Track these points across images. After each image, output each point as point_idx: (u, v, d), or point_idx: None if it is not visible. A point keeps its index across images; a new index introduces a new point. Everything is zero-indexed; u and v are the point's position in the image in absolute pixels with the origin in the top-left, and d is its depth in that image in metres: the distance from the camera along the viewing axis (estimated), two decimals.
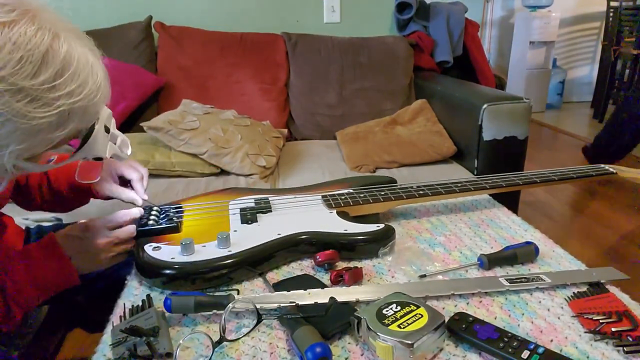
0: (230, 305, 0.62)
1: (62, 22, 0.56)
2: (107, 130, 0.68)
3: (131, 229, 0.77)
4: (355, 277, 0.72)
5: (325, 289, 0.69)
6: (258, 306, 0.64)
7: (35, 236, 0.94)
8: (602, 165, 1.01)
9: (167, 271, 0.71)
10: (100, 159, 0.68)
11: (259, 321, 0.63)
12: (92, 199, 0.92)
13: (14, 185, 0.87)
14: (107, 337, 0.62)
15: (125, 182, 0.91)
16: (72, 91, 0.54)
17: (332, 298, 0.65)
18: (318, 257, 0.76)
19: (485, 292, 0.70)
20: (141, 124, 1.51)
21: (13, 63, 0.50)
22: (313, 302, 0.65)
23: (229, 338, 0.60)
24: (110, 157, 0.72)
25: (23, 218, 1.07)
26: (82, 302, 0.93)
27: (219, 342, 0.59)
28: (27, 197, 0.90)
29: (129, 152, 0.77)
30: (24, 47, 0.51)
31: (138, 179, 0.88)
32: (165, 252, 0.74)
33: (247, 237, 0.78)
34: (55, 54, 0.53)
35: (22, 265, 0.69)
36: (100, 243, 0.73)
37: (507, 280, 0.71)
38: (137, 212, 0.80)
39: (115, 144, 0.73)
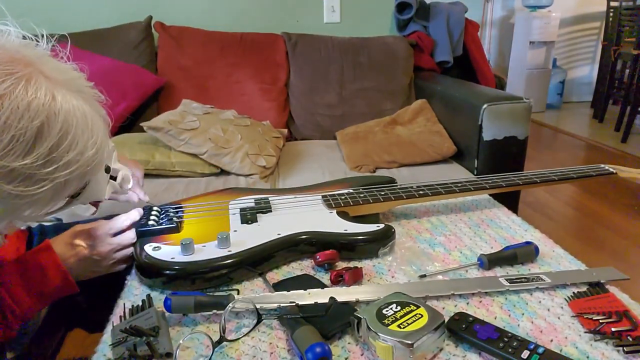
0: (230, 305, 0.62)
1: (61, 74, 0.52)
2: (108, 169, 0.64)
3: (132, 234, 0.77)
4: (355, 277, 0.72)
5: (325, 289, 0.69)
6: (258, 306, 0.64)
7: (37, 236, 0.94)
8: (602, 165, 1.01)
9: (167, 271, 0.71)
10: (98, 202, 0.66)
11: (259, 321, 0.63)
12: None
13: None
14: (107, 337, 0.62)
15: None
16: (69, 161, 0.50)
17: (332, 298, 0.65)
18: (318, 257, 0.76)
19: (485, 292, 0.70)
20: (141, 124, 1.51)
21: (3, 145, 0.45)
22: (313, 302, 0.65)
23: (229, 338, 0.60)
24: (110, 196, 0.70)
25: None
26: (82, 302, 0.93)
27: (219, 342, 0.59)
28: None
29: (129, 187, 0.76)
30: (16, 125, 0.46)
31: (136, 184, 0.87)
32: (165, 252, 0.74)
33: (247, 237, 0.78)
34: (51, 125, 0.48)
35: (18, 275, 0.68)
36: (103, 252, 0.73)
37: (507, 280, 0.71)
38: (136, 214, 0.80)
39: (115, 179, 0.71)
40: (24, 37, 0.53)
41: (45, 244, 0.71)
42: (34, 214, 0.52)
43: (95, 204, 0.73)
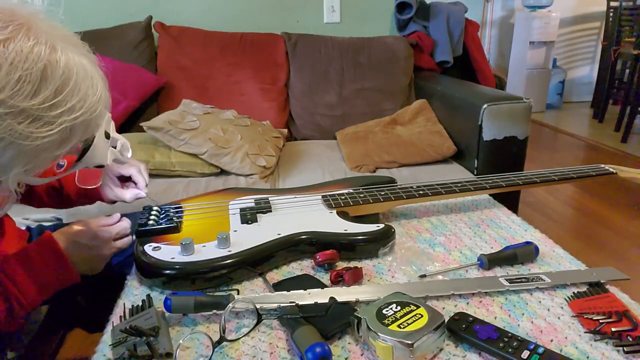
0: (230, 305, 0.62)
1: (56, 30, 0.55)
2: (107, 136, 0.67)
3: (129, 240, 0.79)
4: (355, 277, 0.72)
5: (325, 289, 0.69)
6: (258, 306, 0.64)
7: (36, 236, 0.94)
8: (602, 165, 1.01)
9: (167, 271, 0.71)
10: (102, 166, 0.67)
11: (259, 321, 0.63)
12: None
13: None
14: (107, 337, 0.62)
15: (125, 180, 0.91)
16: (73, 106, 0.53)
17: (332, 298, 0.65)
18: (318, 257, 0.76)
19: (485, 292, 0.70)
20: (141, 124, 1.51)
21: (12, 84, 0.48)
22: (313, 302, 0.65)
23: (228, 338, 0.60)
24: (112, 162, 0.71)
25: (23, 218, 1.07)
26: (82, 302, 0.93)
27: (219, 342, 0.59)
28: (34, 199, 0.91)
29: (129, 155, 0.77)
30: (22, 66, 0.49)
31: (137, 172, 0.89)
32: (165, 252, 0.74)
33: (247, 237, 0.78)
34: (54, 69, 0.51)
35: (19, 265, 0.69)
36: (106, 255, 0.75)
37: (507, 280, 0.71)
38: (126, 224, 0.81)
39: (115, 148, 0.72)
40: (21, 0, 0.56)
41: (46, 235, 0.72)
42: (44, 163, 0.55)
43: (97, 173, 0.73)
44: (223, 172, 1.53)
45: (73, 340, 1.06)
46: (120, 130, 1.76)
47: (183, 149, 1.49)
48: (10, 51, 0.48)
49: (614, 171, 0.99)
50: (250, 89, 1.97)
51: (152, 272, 0.73)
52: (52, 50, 0.51)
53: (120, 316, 0.66)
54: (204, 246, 0.76)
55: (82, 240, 0.74)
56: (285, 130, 1.88)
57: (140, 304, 0.68)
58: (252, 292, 0.72)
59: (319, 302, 0.65)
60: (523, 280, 0.71)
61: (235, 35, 2.03)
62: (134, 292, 0.73)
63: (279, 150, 1.67)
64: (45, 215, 1.07)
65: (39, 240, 0.72)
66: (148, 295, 0.70)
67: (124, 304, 0.69)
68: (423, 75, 2.13)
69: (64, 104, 0.52)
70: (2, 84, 0.48)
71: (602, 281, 0.71)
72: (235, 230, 0.81)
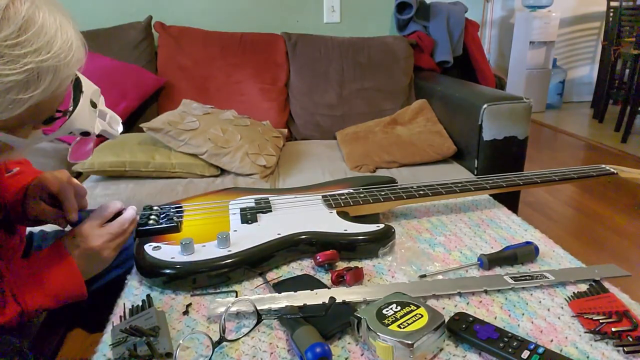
0: (229, 305, 0.62)
1: None
2: (94, 105, 0.67)
3: (120, 220, 0.75)
4: (356, 277, 0.72)
5: (325, 289, 0.69)
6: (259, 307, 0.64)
7: (38, 240, 0.93)
8: (603, 166, 1.01)
9: (167, 271, 0.71)
10: (87, 134, 0.66)
11: (258, 321, 0.63)
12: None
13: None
14: (107, 337, 0.62)
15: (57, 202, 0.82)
16: (39, 48, 0.52)
17: (331, 298, 0.65)
18: (318, 257, 0.76)
19: (485, 292, 0.70)
20: (140, 125, 1.51)
21: None
22: (314, 303, 0.65)
23: (228, 338, 0.60)
24: (101, 134, 0.70)
25: None
26: (82, 302, 0.93)
27: (219, 342, 0.59)
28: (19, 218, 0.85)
29: (119, 128, 0.75)
30: None
31: (71, 196, 0.80)
32: (165, 251, 0.74)
33: (247, 237, 0.78)
34: (16, 11, 0.51)
35: (25, 265, 0.68)
36: (95, 245, 0.72)
37: (511, 277, 0.71)
38: (119, 204, 0.78)
39: (104, 120, 0.71)
40: None
41: (55, 244, 0.71)
42: (11, 107, 0.53)
43: (87, 142, 0.71)
44: (223, 173, 1.53)
45: (73, 340, 1.06)
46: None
47: (183, 149, 1.49)
48: None
49: (615, 171, 0.99)
50: (250, 89, 1.97)
51: (153, 271, 0.73)
52: None
53: (120, 316, 0.66)
54: (204, 246, 0.76)
55: (67, 242, 0.72)
56: (285, 130, 1.88)
57: (140, 304, 0.68)
58: (252, 292, 0.72)
59: (320, 302, 0.65)
60: (527, 277, 0.71)
61: (235, 35, 2.03)
62: (134, 292, 0.73)
63: (279, 150, 1.67)
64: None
65: (49, 252, 0.71)
66: (148, 295, 0.70)
67: (124, 304, 0.69)
68: (423, 75, 2.13)
69: (29, 45, 0.51)
70: None
71: (603, 279, 0.71)
72: (235, 230, 0.81)
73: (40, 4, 0.54)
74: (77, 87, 0.64)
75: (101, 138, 0.85)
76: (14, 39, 0.50)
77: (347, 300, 0.66)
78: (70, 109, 0.62)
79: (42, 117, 0.59)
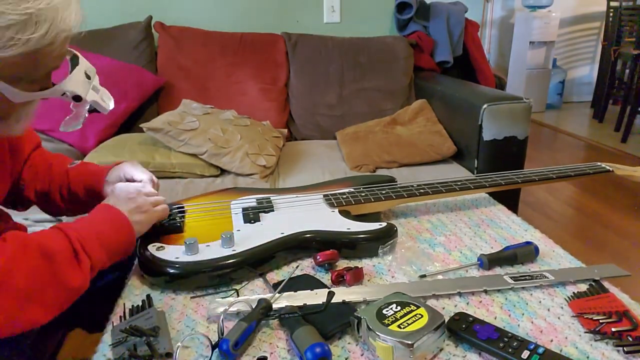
0: (227, 306, 0.62)
1: None
2: (89, 77, 0.70)
3: (166, 208, 0.81)
4: (356, 277, 0.72)
5: (325, 289, 0.69)
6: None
7: None
8: (599, 163, 1.02)
9: (172, 271, 0.71)
10: (79, 99, 0.69)
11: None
12: None
13: (41, 192, 0.88)
14: (107, 337, 0.62)
15: None
16: None
17: (331, 292, 0.64)
18: (318, 257, 0.76)
19: (486, 292, 0.70)
20: (140, 125, 1.51)
21: None
22: (314, 302, 0.65)
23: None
24: (91, 105, 0.73)
25: (23, 218, 1.07)
26: (82, 302, 0.93)
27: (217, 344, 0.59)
28: (51, 203, 0.91)
29: (111, 104, 0.78)
30: None
31: (148, 180, 0.89)
32: (169, 251, 0.74)
33: (250, 237, 0.78)
34: None
35: (81, 222, 0.69)
36: (152, 217, 0.77)
37: (511, 277, 0.71)
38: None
39: (97, 94, 0.74)
40: None
41: (103, 205, 0.74)
42: (7, 51, 0.56)
43: (79, 109, 0.75)
44: (223, 173, 1.53)
45: (73, 340, 1.06)
46: (121, 130, 1.76)
47: (183, 149, 1.49)
48: None
49: (611, 169, 1.00)
50: (250, 89, 1.97)
51: (157, 271, 0.73)
52: None
53: (120, 316, 0.66)
54: (208, 246, 0.76)
55: (121, 195, 0.77)
56: (285, 130, 1.88)
57: (140, 304, 0.68)
58: (252, 292, 0.72)
59: (319, 301, 0.65)
60: (527, 277, 0.71)
61: (235, 35, 2.03)
62: (134, 292, 0.73)
63: (279, 150, 1.67)
64: (44, 215, 1.07)
65: (103, 207, 0.74)
66: (148, 295, 0.70)
67: (124, 304, 0.69)
68: (423, 75, 2.13)
69: None
70: None
71: (603, 278, 0.71)
72: (239, 230, 0.81)
73: None
74: (74, 59, 0.69)
75: (96, 117, 0.88)
76: None
77: (347, 300, 0.66)
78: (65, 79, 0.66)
79: (37, 73, 0.61)
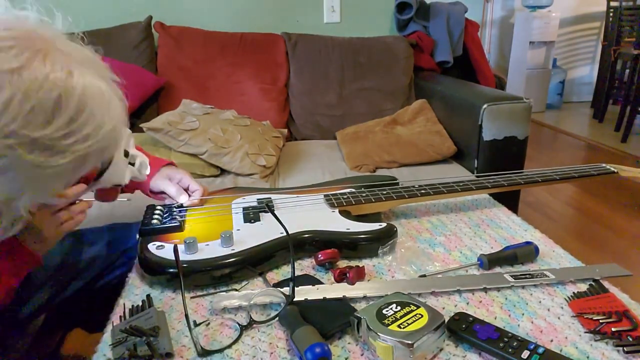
0: (254, 294, 0.62)
1: (76, 52, 0.53)
2: (126, 154, 0.65)
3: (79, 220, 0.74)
4: (359, 275, 0.72)
5: (334, 284, 0.69)
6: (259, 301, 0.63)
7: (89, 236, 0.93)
8: (603, 165, 1.01)
9: (172, 269, 0.71)
10: (119, 185, 0.66)
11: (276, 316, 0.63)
12: None
13: None
14: (107, 337, 0.62)
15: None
16: (88, 134, 0.51)
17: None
18: (319, 255, 0.76)
19: (486, 292, 0.70)
20: (140, 125, 1.51)
21: (24, 114, 0.46)
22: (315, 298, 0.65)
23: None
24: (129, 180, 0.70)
25: None
26: (82, 302, 0.93)
27: (248, 325, 0.59)
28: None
29: (147, 172, 0.76)
30: (35, 95, 0.46)
31: (200, 192, 0.90)
32: (169, 250, 0.74)
33: (250, 236, 0.78)
34: (69, 98, 0.49)
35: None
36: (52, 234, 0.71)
37: (511, 276, 0.71)
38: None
39: (134, 165, 0.71)
40: (41, 21, 0.54)
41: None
42: (57, 188, 0.53)
43: (116, 189, 0.72)
44: (223, 173, 1.53)
45: (73, 340, 1.06)
46: None
47: (183, 149, 1.48)
48: (25, 79, 0.46)
49: (615, 170, 0.99)
50: (250, 89, 1.97)
51: (157, 270, 0.73)
52: (68, 77, 0.49)
53: (120, 316, 0.66)
54: (207, 245, 0.76)
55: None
56: (285, 130, 1.88)
57: (140, 304, 0.68)
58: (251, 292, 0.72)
59: (326, 297, 0.66)
60: (527, 276, 0.71)
61: (235, 35, 2.03)
62: (134, 292, 0.73)
63: (279, 150, 1.67)
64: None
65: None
66: (148, 296, 0.70)
67: (124, 304, 0.69)
68: (423, 75, 2.13)
69: (78, 133, 0.50)
70: (14, 114, 0.45)
71: (604, 278, 0.71)
72: (239, 229, 0.81)
73: (89, 77, 0.52)
74: None
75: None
76: (64, 129, 0.49)
77: (347, 296, 0.66)
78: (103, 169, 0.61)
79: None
